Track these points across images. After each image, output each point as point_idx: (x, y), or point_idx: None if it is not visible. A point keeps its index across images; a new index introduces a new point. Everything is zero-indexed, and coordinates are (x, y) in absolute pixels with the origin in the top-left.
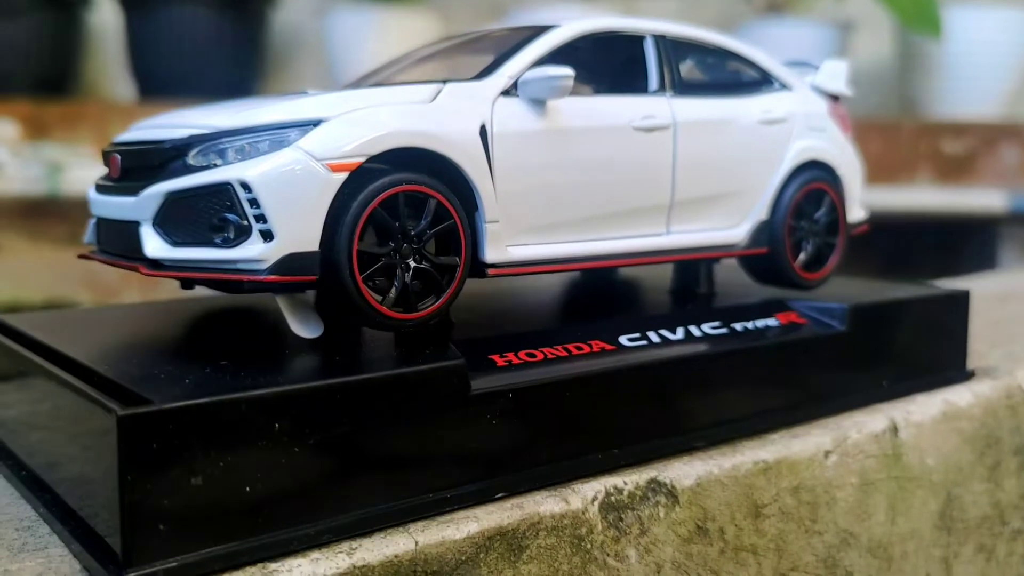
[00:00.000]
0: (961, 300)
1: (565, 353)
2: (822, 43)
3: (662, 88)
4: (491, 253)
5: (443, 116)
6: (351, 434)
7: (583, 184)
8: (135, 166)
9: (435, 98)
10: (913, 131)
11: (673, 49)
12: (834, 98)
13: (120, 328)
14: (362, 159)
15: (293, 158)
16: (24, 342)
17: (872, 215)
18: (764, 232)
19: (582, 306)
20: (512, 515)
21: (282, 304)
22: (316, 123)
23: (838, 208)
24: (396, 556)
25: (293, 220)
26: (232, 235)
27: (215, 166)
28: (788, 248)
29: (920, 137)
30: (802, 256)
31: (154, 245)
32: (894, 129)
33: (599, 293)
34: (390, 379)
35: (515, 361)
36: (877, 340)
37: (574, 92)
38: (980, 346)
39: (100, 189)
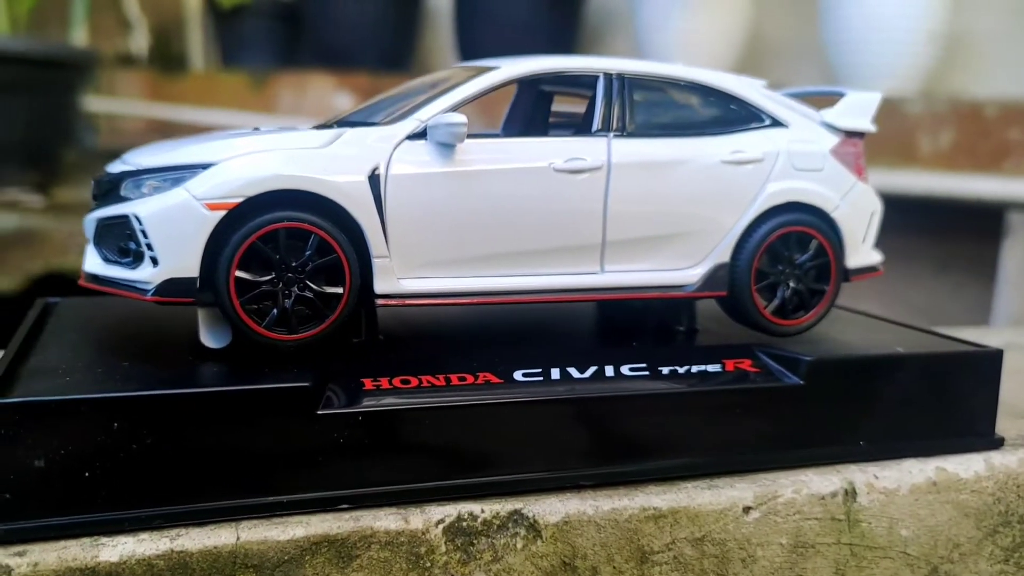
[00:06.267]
0: (985, 360)
1: (443, 383)
2: None
3: (605, 128)
4: (380, 285)
5: (329, 161)
6: (184, 439)
7: (489, 223)
8: (96, 193)
9: (330, 144)
10: None
11: (631, 88)
12: (857, 134)
13: (107, 321)
14: (239, 199)
15: (177, 197)
16: (33, 326)
17: None
18: (723, 275)
19: (529, 337)
20: (344, 525)
21: (199, 316)
22: (206, 166)
23: (829, 253)
24: (216, 547)
25: (174, 250)
26: (133, 259)
27: (131, 199)
28: (754, 292)
29: None
30: (775, 302)
31: (92, 261)
32: None
33: (564, 326)
34: (221, 395)
35: (385, 386)
36: (848, 397)
37: (505, 134)
38: None
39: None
